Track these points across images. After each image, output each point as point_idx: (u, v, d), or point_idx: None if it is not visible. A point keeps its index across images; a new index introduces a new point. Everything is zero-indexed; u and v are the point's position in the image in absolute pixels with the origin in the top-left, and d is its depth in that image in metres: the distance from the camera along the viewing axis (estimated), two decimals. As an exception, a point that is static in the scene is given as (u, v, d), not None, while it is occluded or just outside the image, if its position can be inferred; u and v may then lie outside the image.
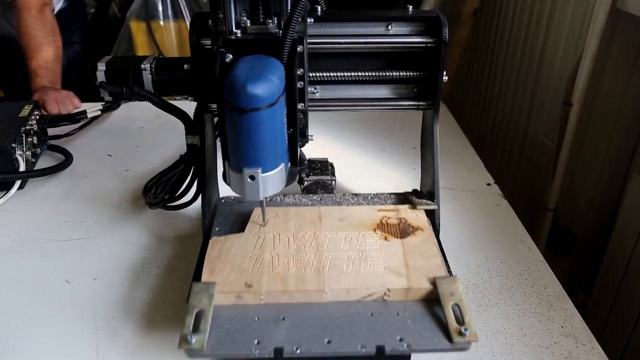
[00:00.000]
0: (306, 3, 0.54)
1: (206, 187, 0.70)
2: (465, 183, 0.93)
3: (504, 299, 0.67)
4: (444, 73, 0.67)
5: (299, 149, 0.64)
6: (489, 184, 0.93)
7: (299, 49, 0.58)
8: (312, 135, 0.64)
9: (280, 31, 0.58)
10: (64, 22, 1.41)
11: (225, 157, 0.59)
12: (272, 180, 0.57)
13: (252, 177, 0.55)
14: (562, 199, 1.28)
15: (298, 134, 0.61)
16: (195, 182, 0.80)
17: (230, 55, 0.57)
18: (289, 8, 0.58)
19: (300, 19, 0.55)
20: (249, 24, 0.58)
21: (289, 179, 0.60)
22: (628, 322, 1.00)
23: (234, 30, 0.58)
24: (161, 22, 2.20)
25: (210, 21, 0.61)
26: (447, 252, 0.66)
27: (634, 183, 1.01)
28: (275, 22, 0.59)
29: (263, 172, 0.55)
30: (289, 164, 0.61)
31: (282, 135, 0.57)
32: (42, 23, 1.25)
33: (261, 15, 0.59)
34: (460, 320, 0.53)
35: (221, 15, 0.58)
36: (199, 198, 0.75)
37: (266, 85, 0.52)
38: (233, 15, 0.58)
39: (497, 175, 0.96)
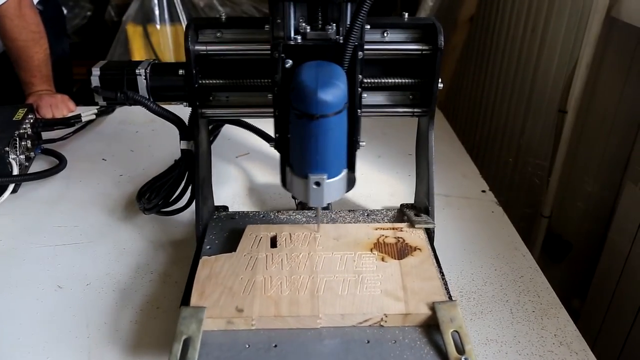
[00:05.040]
0: (368, 10, 0.53)
1: (200, 193, 0.70)
2: (460, 190, 0.93)
3: (498, 306, 0.67)
4: (439, 80, 0.67)
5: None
6: (483, 191, 0.93)
7: (359, 55, 0.58)
8: (363, 142, 0.65)
9: (339, 37, 0.58)
10: None
11: (286, 163, 0.59)
12: (335, 186, 0.57)
13: (318, 184, 0.55)
14: (556, 206, 1.28)
15: (356, 140, 0.62)
16: (190, 188, 0.79)
17: (290, 61, 0.57)
18: (349, 14, 0.58)
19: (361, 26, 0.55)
20: (308, 30, 0.58)
21: (349, 185, 0.60)
22: (622, 329, 1.00)
23: (293, 35, 0.59)
24: (157, 26, 2.20)
25: (266, 26, 0.62)
26: (442, 259, 0.66)
27: (628, 191, 1.01)
28: (334, 28, 0.58)
29: (328, 179, 0.55)
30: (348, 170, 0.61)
31: (345, 141, 0.58)
32: (25, 27, 1.21)
33: (320, 21, 0.59)
34: (460, 349, 0.52)
35: (279, 21, 0.58)
36: (193, 203, 0.75)
37: (336, 92, 0.52)
38: (292, 20, 0.58)
39: (492, 182, 0.96)
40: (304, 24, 0.58)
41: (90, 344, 0.61)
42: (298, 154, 0.56)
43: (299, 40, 0.58)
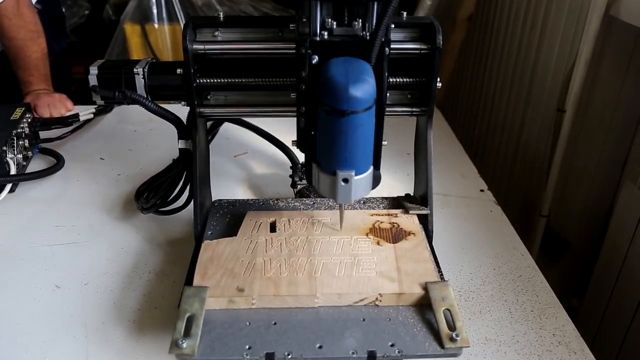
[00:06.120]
0: (396, 6, 0.53)
1: (198, 192, 0.70)
2: (459, 189, 0.93)
3: (497, 306, 0.67)
4: (438, 79, 0.67)
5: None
6: (482, 190, 0.93)
7: (386, 51, 0.58)
8: (385, 141, 0.64)
9: (366, 33, 0.58)
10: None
11: (312, 160, 0.59)
12: (363, 183, 0.57)
13: (346, 180, 0.55)
14: (555, 205, 1.28)
15: (382, 137, 0.62)
16: (188, 187, 0.79)
17: (317, 57, 0.57)
18: (374, 10, 0.58)
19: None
20: (335, 26, 0.58)
21: (374, 183, 0.61)
22: (620, 328, 1.00)
23: (319, 32, 0.58)
24: (155, 25, 2.19)
25: (292, 25, 0.62)
26: (440, 259, 0.66)
27: (626, 189, 1.01)
28: (360, 24, 0.58)
29: (356, 175, 0.56)
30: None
31: (373, 138, 0.57)
32: (22, 26, 1.20)
33: (346, 17, 0.59)
34: (451, 326, 0.53)
35: (305, 20, 0.58)
36: (191, 203, 0.74)
37: (366, 88, 0.52)
38: (318, 16, 0.58)
39: (491, 182, 0.96)
40: (329, 20, 0.58)
41: (88, 343, 0.61)
42: (326, 151, 0.56)
43: (326, 37, 0.58)
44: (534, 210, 1.32)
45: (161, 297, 0.68)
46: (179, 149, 0.77)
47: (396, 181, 0.95)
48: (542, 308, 0.67)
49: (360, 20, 0.58)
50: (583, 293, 1.17)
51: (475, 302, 0.68)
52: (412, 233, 0.66)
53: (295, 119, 0.64)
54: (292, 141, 0.65)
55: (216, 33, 0.67)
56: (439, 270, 0.62)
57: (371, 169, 0.58)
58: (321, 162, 0.57)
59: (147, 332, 0.62)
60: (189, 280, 0.59)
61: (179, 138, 0.76)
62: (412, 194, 0.77)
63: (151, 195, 0.78)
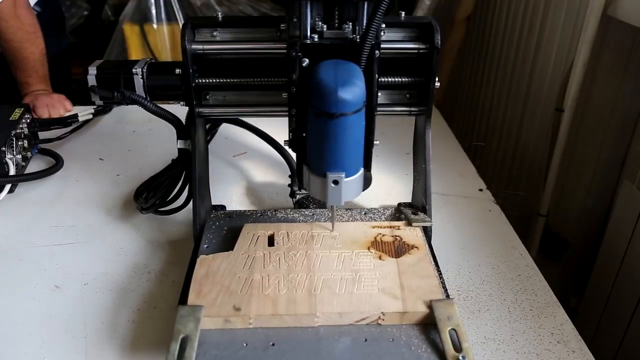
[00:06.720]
0: (385, 9, 0.53)
1: (197, 192, 0.70)
2: (458, 188, 0.93)
3: (495, 305, 0.67)
4: (436, 79, 0.67)
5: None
6: (481, 190, 0.93)
7: (376, 54, 0.58)
8: (377, 141, 0.64)
9: (356, 36, 0.59)
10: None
11: (303, 162, 0.60)
12: (353, 185, 0.57)
13: (336, 182, 0.56)
14: (554, 205, 1.28)
15: (371, 138, 0.62)
16: (187, 187, 0.79)
17: (307, 60, 0.58)
18: (365, 13, 0.58)
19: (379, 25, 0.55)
20: (325, 29, 0.59)
21: (365, 184, 0.61)
22: (619, 327, 1.00)
23: (310, 34, 0.59)
24: (154, 25, 2.19)
25: (282, 25, 0.62)
26: (439, 258, 0.66)
27: (625, 189, 1.01)
28: (351, 27, 0.59)
29: (346, 177, 0.56)
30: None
31: (363, 140, 0.58)
32: (20, 27, 1.20)
33: (336, 20, 0.59)
34: (457, 347, 0.52)
35: (295, 20, 0.58)
36: (190, 203, 0.74)
37: (355, 91, 0.52)
38: (309, 19, 0.58)
39: (489, 181, 0.96)
40: (320, 23, 0.59)
41: (88, 344, 0.61)
42: (316, 153, 0.56)
43: (316, 39, 0.58)
44: (532, 210, 1.32)
45: (160, 297, 0.68)
46: (178, 149, 0.77)
47: (395, 181, 0.95)
48: (541, 307, 0.67)
49: (350, 23, 0.59)
50: (582, 292, 1.17)
51: (474, 301, 0.68)
52: (416, 246, 0.64)
53: (292, 119, 0.64)
54: (285, 141, 0.65)
55: (215, 33, 0.67)
56: (444, 286, 0.60)
57: (361, 170, 0.58)
58: (312, 164, 0.58)
59: (147, 332, 0.62)
60: (183, 299, 0.57)
61: (178, 138, 0.76)
62: (411, 195, 0.78)
63: (150, 195, 0.78)
